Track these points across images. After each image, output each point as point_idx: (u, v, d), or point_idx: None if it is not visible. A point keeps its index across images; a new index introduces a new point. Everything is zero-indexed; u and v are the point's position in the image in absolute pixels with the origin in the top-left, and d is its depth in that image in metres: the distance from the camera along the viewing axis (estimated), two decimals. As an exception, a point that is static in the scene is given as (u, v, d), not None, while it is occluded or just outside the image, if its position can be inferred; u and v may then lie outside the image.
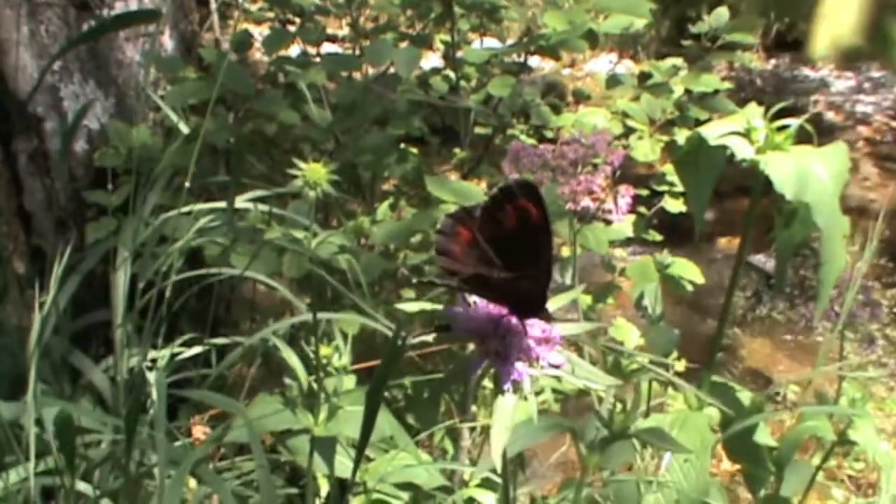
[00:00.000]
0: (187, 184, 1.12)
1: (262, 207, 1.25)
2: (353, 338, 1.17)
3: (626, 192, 1.07)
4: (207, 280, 1.21)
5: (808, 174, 0.89)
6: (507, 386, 0.57)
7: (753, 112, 0.97)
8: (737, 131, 0.97)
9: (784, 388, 2.27)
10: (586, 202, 1.04)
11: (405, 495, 1.17)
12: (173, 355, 1.18)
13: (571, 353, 0.58)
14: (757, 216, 1.05)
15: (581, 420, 1.89)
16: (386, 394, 1.46)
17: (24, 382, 0.97)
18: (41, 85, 1.59)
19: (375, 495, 1.14)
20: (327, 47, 1.91)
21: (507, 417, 0.55)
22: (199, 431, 1.22)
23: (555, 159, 1.04)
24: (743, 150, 0.96)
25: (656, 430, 0.68)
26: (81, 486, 0.98)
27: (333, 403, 1.04)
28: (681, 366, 1.81)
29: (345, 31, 2.20)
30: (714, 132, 0.97)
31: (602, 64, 4.12)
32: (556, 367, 0.57)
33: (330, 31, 2.04)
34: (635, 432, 0.64)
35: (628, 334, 1.62)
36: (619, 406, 0.71)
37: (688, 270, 1.54)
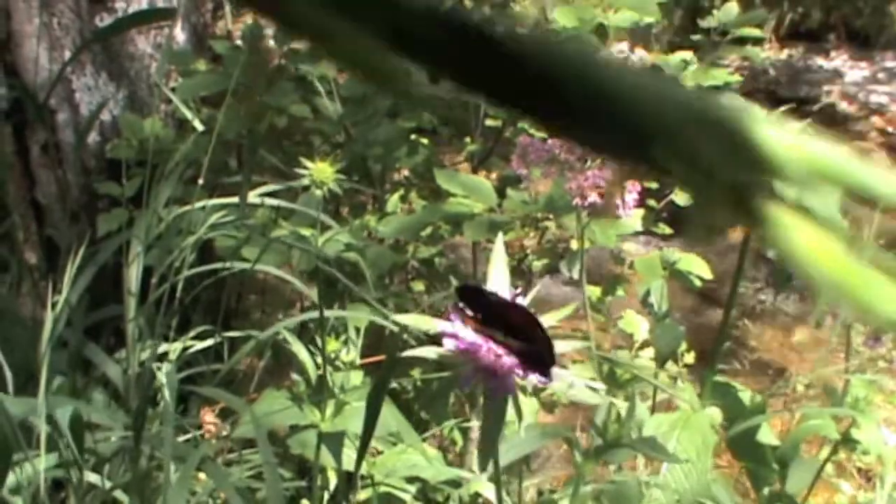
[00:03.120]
0: (201, 180, 1.13)
1: (271, 202, 1.26)
2: (362, 330, 1.18)
3: (632, 188, 1.07)
4: (220, 274, 1.22)
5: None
6: (496, 401, 0.57)
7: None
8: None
9: (791, 383, 2.28)
10: (594, 197, 1.05)
11: (412, 488, 1.18)
12: (185, 348, 1.19)
13: (563, 370, 0.58)
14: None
15: (574, 419, 1.89)
16: (395, 385, 1.47)
17: (37, 375, 0.98)
18: (54, 77, 1.60)
19: (383, 488, 1.15)
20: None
21: (497, 431, 0.55)
22: (209, 423, 1.23)
23: (563, 154, 1.05)
24: (748, 151, 0.96)
25: (650, 440, 0.69)
26: (92, 477, 1.00)
27: (340, 399, 1.05)
28: (690, 358, 1.81)
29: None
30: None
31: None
32: (547, 383, 0.57)
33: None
34: (629, 442, 0.65)
35: (637, 327, 1.62)
36: (617, 408, 0.71)
37: (696, 265, 1.54)
